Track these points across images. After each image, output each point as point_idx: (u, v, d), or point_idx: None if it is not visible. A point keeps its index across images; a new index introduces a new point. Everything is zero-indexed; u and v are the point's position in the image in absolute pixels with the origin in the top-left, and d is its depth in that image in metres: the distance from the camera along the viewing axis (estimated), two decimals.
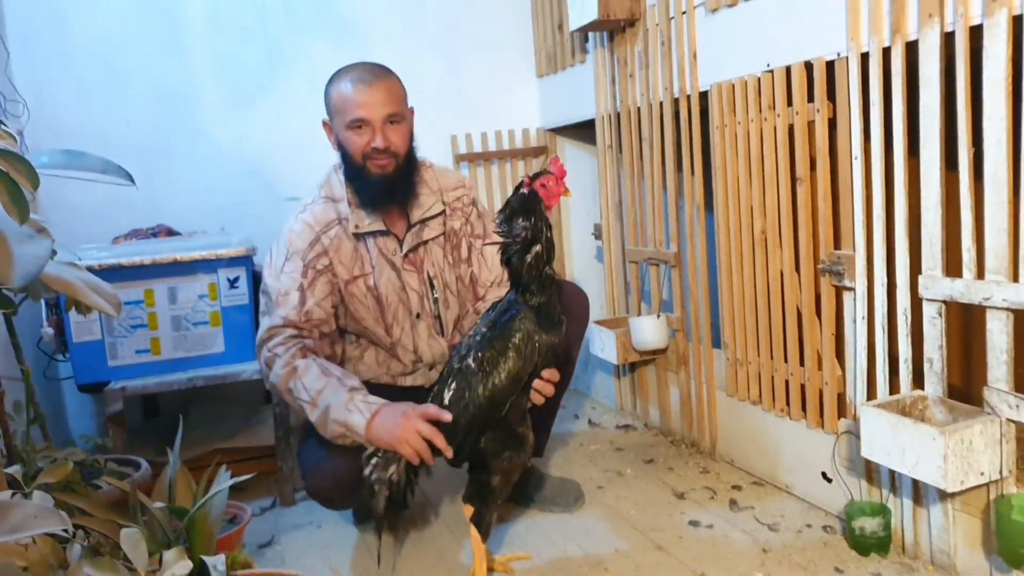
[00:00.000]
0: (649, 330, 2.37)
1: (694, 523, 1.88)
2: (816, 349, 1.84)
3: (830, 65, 1.71)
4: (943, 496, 1.52)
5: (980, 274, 1.43)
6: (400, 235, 1.86)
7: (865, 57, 1.61)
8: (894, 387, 1.64)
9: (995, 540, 1.41)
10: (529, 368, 1.56)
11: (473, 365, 1.57)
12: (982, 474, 1.40)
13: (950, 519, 1.53)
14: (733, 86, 1.99)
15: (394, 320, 1.87)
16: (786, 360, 1.93)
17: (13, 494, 1.09)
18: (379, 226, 1.83)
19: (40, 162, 1.20)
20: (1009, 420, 1.40)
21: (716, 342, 2.25)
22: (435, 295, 1.90)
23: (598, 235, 2.85)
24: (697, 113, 2.18)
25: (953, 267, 1.49)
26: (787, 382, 1.94)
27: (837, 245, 1.76)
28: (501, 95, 3.09)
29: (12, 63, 2.48)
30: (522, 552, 1.79)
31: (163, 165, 2.68)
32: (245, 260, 2.15)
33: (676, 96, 2.23)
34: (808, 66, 1.76)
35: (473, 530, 1.63)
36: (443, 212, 1.91)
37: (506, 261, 1.55)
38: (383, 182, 1.77)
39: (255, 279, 2.45)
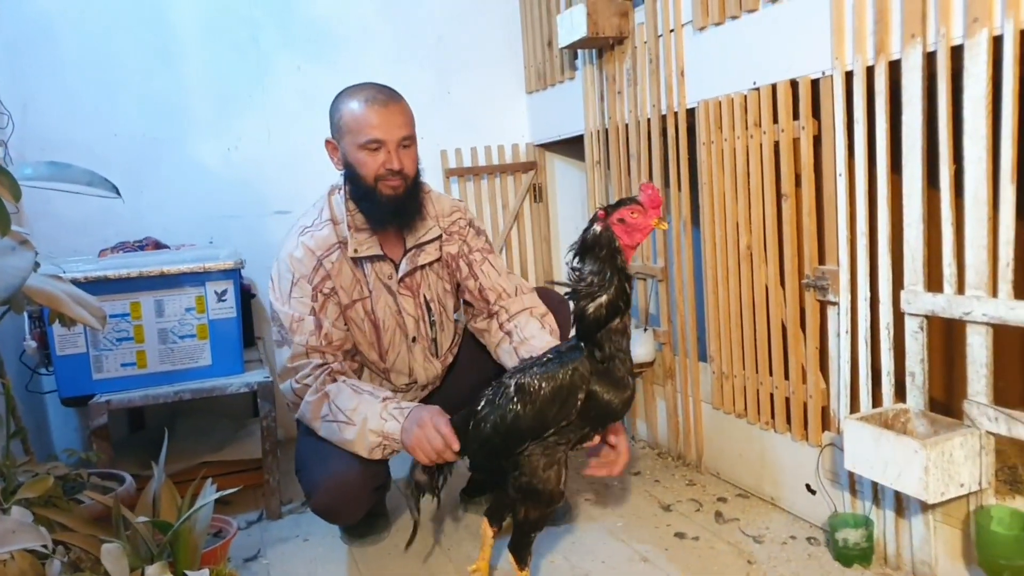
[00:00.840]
0: (636, 344, 2.38)
1: (680, 535, 1.88)
2: (801, 363, 1.86)
3: (815, 83, 1.74)
4: (924, 508, 1.54)
5: (961, 289, 1.46)
6: (396, 259, 1.86)
7: (849, 75, 1.64)
8: (877, 400, 1.66)
9: (975, 551, 1.42)
10: (562, 417, 1.44)
11: (511, 387, 1.50)
12: (962, 485, 1.41)
13: (931, 530, 1.55)
14: (720, 103, 2.02)
15: (390, 346, 1.88)
16: (771, 373, 1.95)
17: None
18: (376, 250, 1.82)
19: (24, 174, 1.20)
20: (988, 432, 1.42)
21: (702, 355, 2.27)
22: (431, 318, 1.91)
23: None
24: (684, 130, 2.21)
25: (935, 282, 1.51)
26: (772, 395, 1.96)
27: (821, 260, 1.78)
28: (491, 110, 3.11)
29: None
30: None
31: (151, 177, 2.68)
32: (233, 273, 2.15)
33: (663, 113, 2.25)
34: (794, 84, 1.79)
35: (510, 555, 1.59)
36: (440, 237, 1.90)
37: (572, 300, 1.43)
38: (393, 204, 1.76)
39: (243, 292, 2.45)
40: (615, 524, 1.97)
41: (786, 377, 1.91)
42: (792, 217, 1.85)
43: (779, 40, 1.81)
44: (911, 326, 1.55)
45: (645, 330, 2.40)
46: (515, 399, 1.47)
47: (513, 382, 1.51)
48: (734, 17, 1.93)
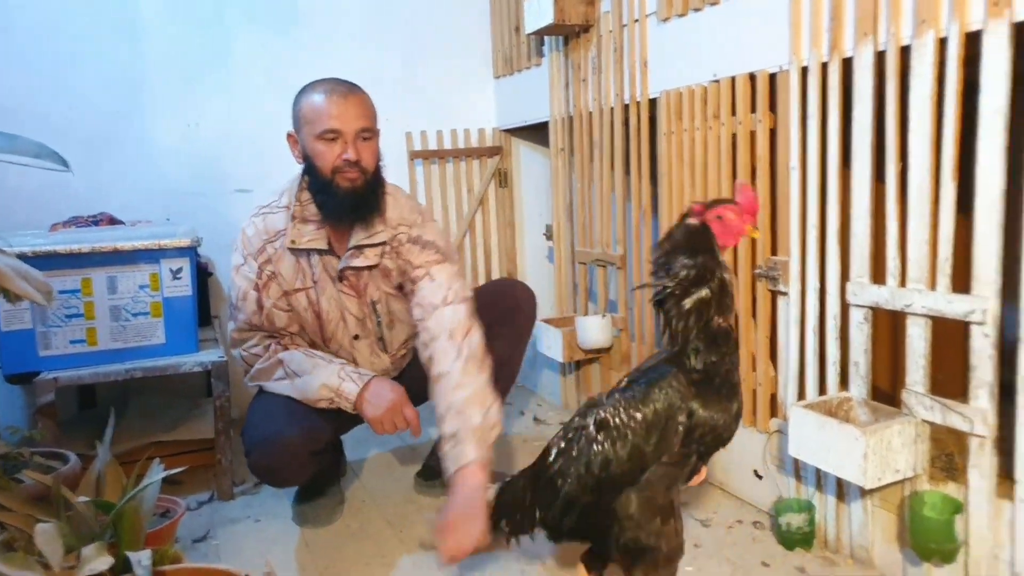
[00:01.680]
0: (594, 329, 2.41)
1: None
2: (751, 351, 1.90)
3: (772, 77, 1.76)
4: (863, 493, 1.59)
5: (903, 282, 1.50)
6: (341, 255, 1.85)
7: (805, 71, 1.67)
8: (823, 389, 1.71)
9: (908, 535, 1.48)
10: (663, 450, 1.21)
11: (590, 427, 1.26)
12: (897, 472, 1.46)
13: (869, 515, 1.60)
14: (681, 94, 2.04)
15: (332, 337, 1.90)
16: None
17: None
18: (321, 244, 1.81)
19: None
20: (924, 421, 1.47)
21: (659, 342, 2.30)
22: (378, 319, 1.91)
23: (550, 236, 2.88)
24: (646, 119, 2.22)
25: (880, 275, 1.55)
26: None
27: (774, 251, 1.81)
28: (457, 94, 3.10)
29: None
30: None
31: (110, 152, 2.63)
32: (189, 251, 2.12)
33: (627, 102, 2.27)
34: (752, 78, 1.82)
35: None
36: (384, 243, 1.82)
37: (657, 304, 1.26)
38: (351, 198, 1.74)
39: (200, 270, 2.42)
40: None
41: None
42: None
43: (739, 33, 1.83)
44: (856, 317, 1.60)
45: (603, 316, 2.43)
46: (599, 440, 1.22)
47: (591, 420, 1.26)
48: (697, 9, 1.94)
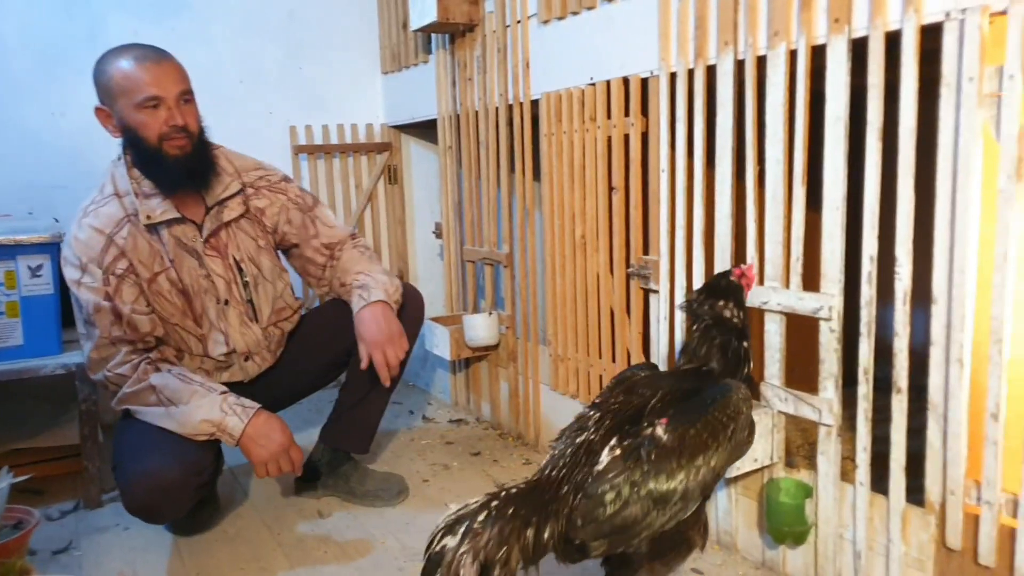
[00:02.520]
0: (480, 327, 2.43)
1: None
2: (627, 346, 1.96)
3: (644, 82, 1.83)
4: (727, 482, 1.67)
5: (761, 280, 1.58)
6: (198, 220, 1.80)
7: (673, 76, 1.73)
8: None
9: (764, 520, 1.57)
10: (735, 459, 1.35)
11: (664, 438, 1.18)
12: (755, 460, 1.55)
13: (733, 502, 1.68)
14: (560, 96, 2.08)
15: (202, 310, 1.82)
16: (600, 356, 2.05)
17: None
18: (173, 214, 1.75)
19: None
20: (780, 412, 1.57)
21: (543, 339, 2.34)
22: (244, 279, 1.86)
23: (439, 234, 2.88)
24: (529, 120, 2.26)
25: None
26: (601, 376, 2.05)
27: (646, 251, 1.88)
28: (345, 89, 3.05)
29: None
30: (336, 547, 1.79)
31: None
32: (51, 247, 2.00)
33: (511, 102, 2.30)
34: (626, 82, 1.87)
35: None
36: (241, 191, 1.85)
37: (705, 330, 1.43)
38: (182, 163, 1.70)
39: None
40: (450, 504, 2.00)
41: (613, 360, 2.01)
42: (621, 209, 1.94)
43: (614, 38, 1.88)
44: None
45: (490, 314, 2.45)
46: (686, 454, 1.20)
47: (661, 429, 1.20)
48: (575, 13, 1.99)
